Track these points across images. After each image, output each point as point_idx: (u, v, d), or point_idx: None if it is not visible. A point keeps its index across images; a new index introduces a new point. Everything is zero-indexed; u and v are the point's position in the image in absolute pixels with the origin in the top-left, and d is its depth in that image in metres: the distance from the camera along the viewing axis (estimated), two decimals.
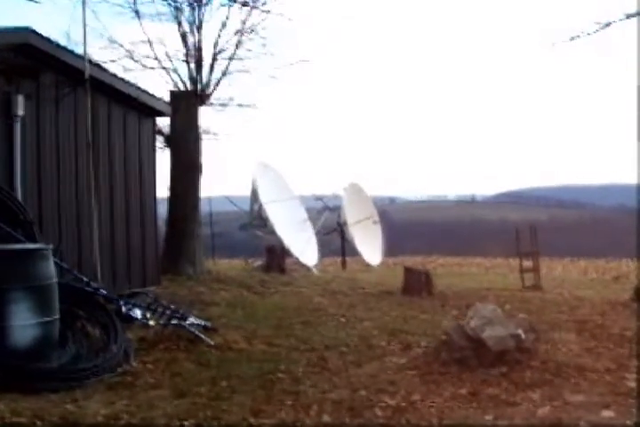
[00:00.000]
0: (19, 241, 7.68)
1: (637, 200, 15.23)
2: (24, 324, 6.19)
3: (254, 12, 14.37)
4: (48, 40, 8.97)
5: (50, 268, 6.53)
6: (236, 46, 14.48)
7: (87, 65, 9.05)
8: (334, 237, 21.18)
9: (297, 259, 17.38)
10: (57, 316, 6.51)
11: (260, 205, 17.67)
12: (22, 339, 6.19)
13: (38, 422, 5.01)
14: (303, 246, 17.79)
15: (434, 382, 6.04)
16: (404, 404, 5.47)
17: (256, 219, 18.17)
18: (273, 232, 17.28)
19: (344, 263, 20.31)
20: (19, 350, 6.14)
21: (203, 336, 7.48)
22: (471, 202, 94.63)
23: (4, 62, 8.48)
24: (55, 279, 6.56)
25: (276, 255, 16.20)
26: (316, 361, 6.86)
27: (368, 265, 20.19)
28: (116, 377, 6.18)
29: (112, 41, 14.25)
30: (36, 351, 6.23)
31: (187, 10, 14.16)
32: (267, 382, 6.09)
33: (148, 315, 7.91)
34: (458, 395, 5.68)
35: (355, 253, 20.80)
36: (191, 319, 7.79)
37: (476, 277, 17.85)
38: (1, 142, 8.48)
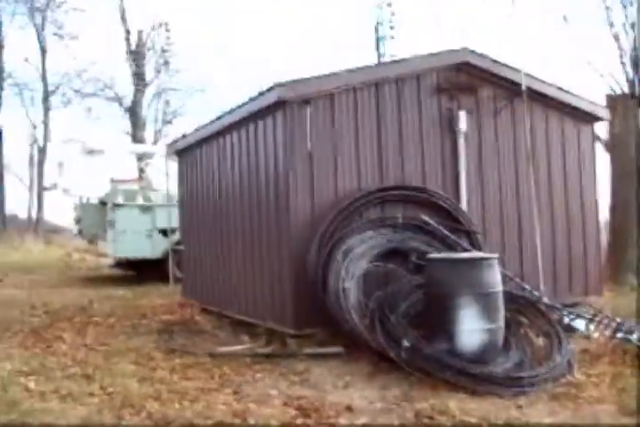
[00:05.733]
0: (465, 250, 8.12)
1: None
2: (472, 328, 6.50)
3: None
4: (485, 57, 9.34)
5: (496, 276, 6.77)
6: None
7: (523, 76, 9.20)
8: None
9: None
10: (502, 323, 6.73)
11: None
12: (470, 343, 6.50)
13: (484, 424, 5.23)
14: None
15: None
16: None
17: None
18: None
19: None
20: (466, 353, 6.46)
21: None
22: None
23: (446, 81, 9.07)
24: (500, 287, 6.79)
25: None
26: None
27: None
28: (559, 388, 6.14)
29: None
30: (481, 356, 6.50)
31: (617, 9, 13.60)
32: None
33: (592, 326, 7.75)
34: None
35: None
36: (638, 333, 7.44)
37: None
38: (447, 156, 9.06)
